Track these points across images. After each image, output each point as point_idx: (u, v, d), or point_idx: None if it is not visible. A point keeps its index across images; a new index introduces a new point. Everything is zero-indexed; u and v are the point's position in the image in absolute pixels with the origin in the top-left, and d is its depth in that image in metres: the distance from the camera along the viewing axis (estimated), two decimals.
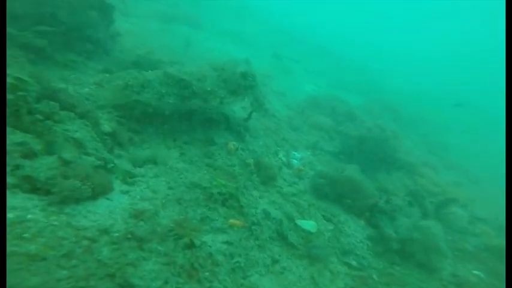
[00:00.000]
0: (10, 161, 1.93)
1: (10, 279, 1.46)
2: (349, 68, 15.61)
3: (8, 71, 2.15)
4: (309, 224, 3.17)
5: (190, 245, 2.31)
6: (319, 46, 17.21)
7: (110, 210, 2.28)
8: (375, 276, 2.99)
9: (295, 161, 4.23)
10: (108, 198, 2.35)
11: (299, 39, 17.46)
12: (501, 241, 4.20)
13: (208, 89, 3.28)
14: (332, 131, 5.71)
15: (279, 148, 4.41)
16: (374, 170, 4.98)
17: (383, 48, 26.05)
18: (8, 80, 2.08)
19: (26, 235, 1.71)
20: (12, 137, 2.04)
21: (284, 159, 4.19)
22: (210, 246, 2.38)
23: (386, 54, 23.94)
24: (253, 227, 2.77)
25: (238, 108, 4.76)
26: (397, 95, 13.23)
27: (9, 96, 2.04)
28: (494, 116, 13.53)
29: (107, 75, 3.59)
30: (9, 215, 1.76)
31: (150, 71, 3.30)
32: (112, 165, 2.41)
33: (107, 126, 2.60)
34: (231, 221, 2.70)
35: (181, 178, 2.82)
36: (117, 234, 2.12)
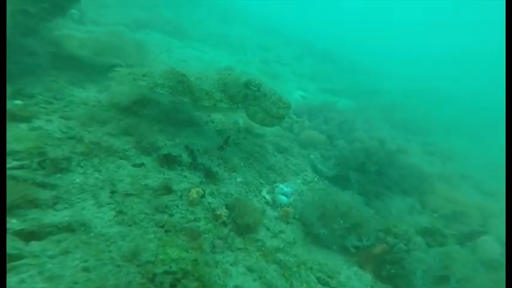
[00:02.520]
0: None
1: None
2: (340, 69, 14.92)
3: None
4: None
5: None
6: (308, 46, 16.52)
7: None
8: None
9: (282, 197, 3.41)
10: None
11: (288, 40, 16.78)
12: None
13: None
14: (326, 149, 4.92)
15: (262, 182, 3.58)
16: (378, 196, 4.20)
17: (377, 47, 25.59)
18: None
19: None
20: None
21: (268, 197, 3.37)
22: None
23: (380, 53, 23.43)
24: None
25: (212, 134, 3.94)
26: (395, 96, 12.57)
27: None
28: (498, 115, 12.95)
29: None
30: None
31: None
32: None
33: None
34: None
35: (109, 251, 1.96)
36: None
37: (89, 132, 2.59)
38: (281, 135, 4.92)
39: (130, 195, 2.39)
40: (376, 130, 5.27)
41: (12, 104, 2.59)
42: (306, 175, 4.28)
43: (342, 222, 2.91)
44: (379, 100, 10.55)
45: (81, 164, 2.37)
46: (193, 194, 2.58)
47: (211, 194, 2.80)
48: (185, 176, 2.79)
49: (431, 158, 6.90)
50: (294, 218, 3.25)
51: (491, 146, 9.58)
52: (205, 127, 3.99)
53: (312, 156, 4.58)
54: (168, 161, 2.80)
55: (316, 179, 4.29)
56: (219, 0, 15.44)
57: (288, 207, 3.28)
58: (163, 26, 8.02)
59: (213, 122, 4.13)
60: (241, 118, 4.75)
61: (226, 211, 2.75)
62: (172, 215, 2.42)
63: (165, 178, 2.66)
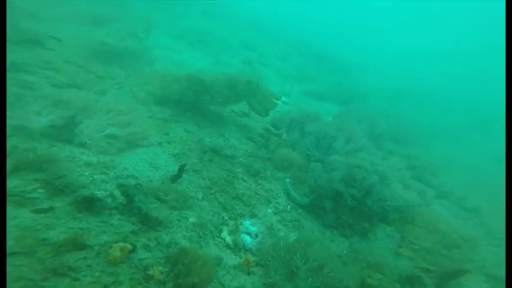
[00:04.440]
0: None
1: None
2: (329, 69, 14.48)
3: None
4: None
5: None
6: (297, 44, 15.97)
7: None
8: None
9: (246, 237, 2.84)
10: None
11: (276, 37, 16.16)
12: None
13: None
14: (303, 172, 4.40)
15: (225, 217, 3.00)
16: (354, 228, 3.74)
17: (370, 45, 25.20)
18: None
19: None
20: None
21: (229, 239, 2.79)
22: None
23: (372, 51, 23.08)
24: None
25: (166, 158, 3.30)
26: (383, 98, 12.30)
27: None
28: (486, 117, 12.97)
29: None
30: None
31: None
32: None
33: None
34: None
35: None
36: None
37: None
38: (254, 155, 4.35)
39: (11, 254, 1.72)
40: (358, 151, 4.80)
41: None
42: (278, 203, 3.74)
43: (310, 279, 2.38)
44: (366, 105, 10.21)
45: None
46: (115, 251, 1.95)
47: (146, 247, 2.18)
48: (111, 225, 2.15)
49: (414, 174, 6.58)
50: (257, 265, 2.70)
51: (475, 151, 9.53)
52: (157, 149, 3.35)
53: (287, 179, 4.06)
54: (90, 205, 2.15)
55: (289, 207, 3.76)
56: None
57: (251, 251, 2.73)
58: (129, 22, 7.17)
59: (169, 143, 3.49)
60: (208, 136, 4.13)
61: (165, 268, 2.16)
62: (77, 280, 1.78)
63: (79, 228, 2.01)
